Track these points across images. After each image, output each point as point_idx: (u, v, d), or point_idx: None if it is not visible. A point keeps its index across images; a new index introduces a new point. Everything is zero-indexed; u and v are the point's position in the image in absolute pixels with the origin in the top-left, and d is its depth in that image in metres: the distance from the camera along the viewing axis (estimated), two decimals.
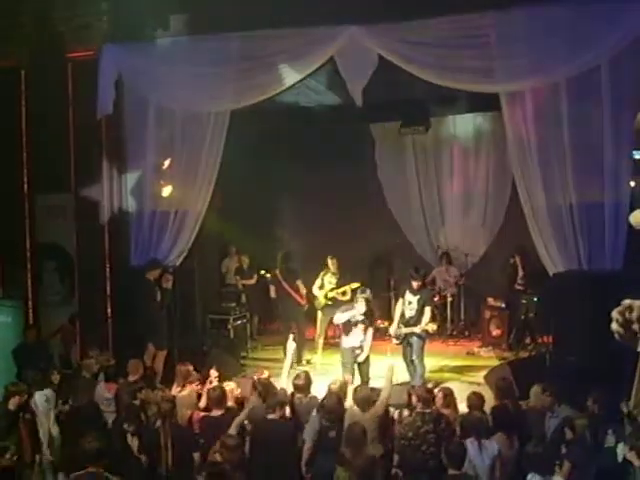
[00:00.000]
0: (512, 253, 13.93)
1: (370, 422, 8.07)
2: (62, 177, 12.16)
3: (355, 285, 12.87)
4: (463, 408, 8.69)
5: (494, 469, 7.47)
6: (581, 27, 9.80)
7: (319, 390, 9.17)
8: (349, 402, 8.62)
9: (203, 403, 9.34)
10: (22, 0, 12.03)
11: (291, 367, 10.10)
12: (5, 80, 12.38)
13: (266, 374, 10.13)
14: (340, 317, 11.15)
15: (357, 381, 10.63)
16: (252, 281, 15.27)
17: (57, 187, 12.35)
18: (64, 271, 12.60)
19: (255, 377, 9.94)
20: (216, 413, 8.62)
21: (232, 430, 8.02)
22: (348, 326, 11.06)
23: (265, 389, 8.89)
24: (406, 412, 8.59)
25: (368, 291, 11.38)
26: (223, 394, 8.78)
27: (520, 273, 13.62)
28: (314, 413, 8.17)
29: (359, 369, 11.04)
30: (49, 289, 12.74)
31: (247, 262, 15.54)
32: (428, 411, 8.12)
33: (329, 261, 13.31)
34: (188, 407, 9.31)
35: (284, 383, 9.14)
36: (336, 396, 8.35)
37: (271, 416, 8.19)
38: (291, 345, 10.08)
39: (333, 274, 13.14)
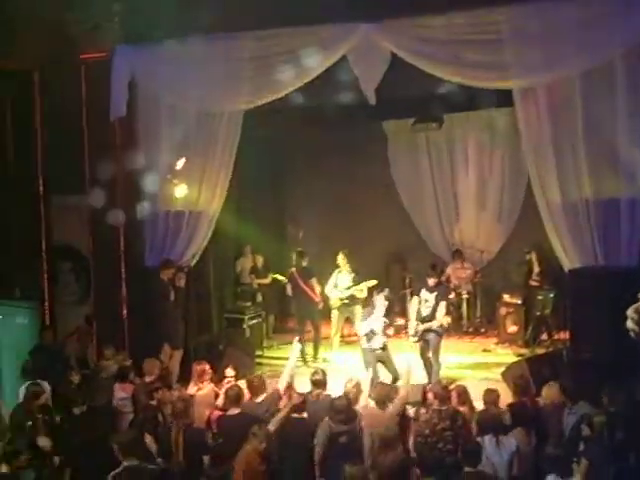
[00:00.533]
0: (528, 249, 13.85)
1: (388, 421, 8.06)
2: (77, 178, 12.19)
3: (372, 283, 12.85)
4: (479, 405, 8.67)
5: (512, 465, 7.47)
6: (595, 21, 9.72)
7: (335, 388, 9.17)
8: (364, 401, 8.64)
9: (221, 402, 9.35)
10: (35, 2, 12.06)
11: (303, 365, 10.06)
12: (19, 82, 12.44)
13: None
14: (362, 328, 11.10)
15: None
16: (267, 280, 15.29)
17: (72, 188, 12.38)
18: (80, 272, 12.68)
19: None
20: (233, 412, 8.61)
21: (271, 427, 7.95)
22: (370, 334, 11.06)
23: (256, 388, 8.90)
24: (422, 410, 8.55)
25: (387, 290, 11.36)
26: (240, 393, 8.77)
27: (536, 269, 13.56)
28: (326, 418, 8.07)
29: (386, 367, 11.01)
30: (65, 290, 12.82)
31: (261, 261, 15.55)
32: (444, 408, 8.09)
33: (340, 257, 13.21)
34: (206, 406, 9.33)
35: (282, 384, 9.10)
36: (346, 398, 8.29)
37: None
38: (296, 347, 10.02)
39: (348, 272, 13.09)
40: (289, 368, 9.39)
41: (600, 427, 7.26)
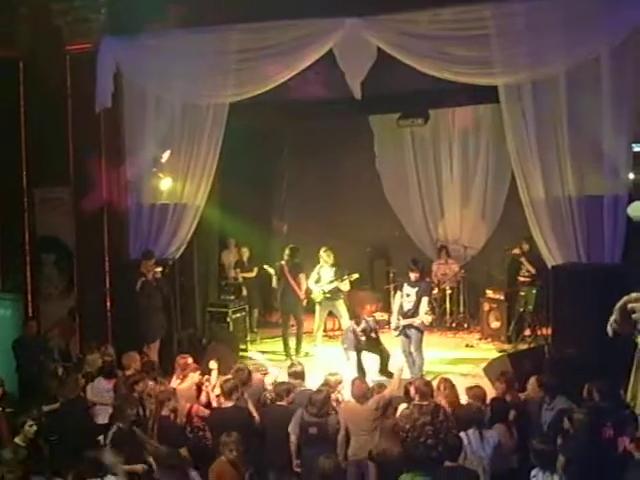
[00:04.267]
0: (518, 244, 13.75)
1: (367, 414, 8.12)
2: (61, 170, 12.14)
3: (355, 276, 12.88)
4: (463, 400, 8.71)
5: (495, 458, 7.53)
6: (580, 18, 9.77)
7: (317, 383, 9.21)
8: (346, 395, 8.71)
9: (204, 397, 9.35)
10: None
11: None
12: (3, 72, 12.37)
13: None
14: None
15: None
16: (252, 274, 15.27)
17: (56, 180, 12.34)
18: (63, 264, 12.60)
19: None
20: (226, 404, 8.58)
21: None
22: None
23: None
24: (404, 405, 8.58)
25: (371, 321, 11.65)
26: (236, 385, 8.78)
27: (529, 268, 13.49)
28: (300, 409, 8.17)
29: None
30: (48, 282, 12.75)
31: (247, 255, 15.53)
32: (426, 403, 8.13)
33: (322, 253, 13.22)
34: (187, 399, 9.31)
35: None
36: (324, 392, 8.35)
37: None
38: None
39: (331, 266, 13.10)
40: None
41: (579, 424, 7.31)
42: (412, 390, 8.46)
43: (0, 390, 8.99)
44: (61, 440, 8.56)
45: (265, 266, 14.81)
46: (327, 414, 8.15)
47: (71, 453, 7.89)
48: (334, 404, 8.58)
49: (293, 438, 8.07)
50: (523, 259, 13.52)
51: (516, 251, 13.66)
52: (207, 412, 8.82)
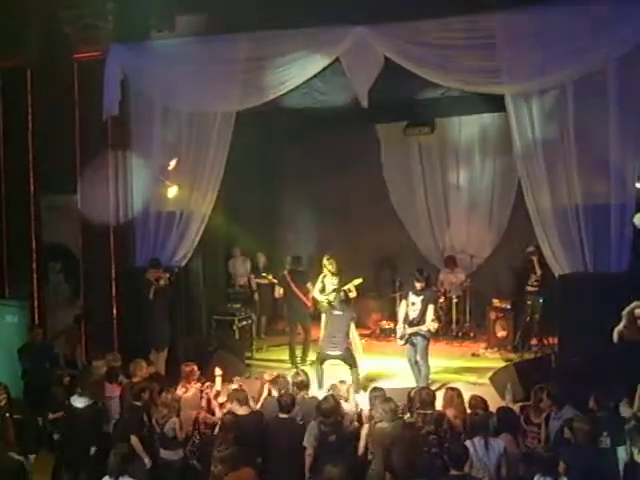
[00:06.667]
0: (530, 253, 13.63)
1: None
2: (68, 178, 12.17)
3: (357, 282, 12.83)
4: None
5: (501, 467, 7.53)
6: (587, 28, 9.79)
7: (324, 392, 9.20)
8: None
9: (204, 403, 9.38)
10: (30, 0, 12.06)
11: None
12: (11, 80, 12.43)
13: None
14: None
15: None
16: (265, 281, 15.14)
17: (62, 188, 12.36)
18: (69, 272, 12.63)
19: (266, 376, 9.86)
20: (243, 412, 8.57)
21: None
22: None
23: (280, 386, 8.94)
24: (407, 414, 8.57)
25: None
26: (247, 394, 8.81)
27: (538, 272, 13.40)
28: (313, 422, 8.08)
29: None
30: (54, 290, 12.77)
31: (263, 261, 15.50)
32: (429, 412, 8.11)
33: (325, 261, 13.13)
34: (193, 408, 9.32)
35: None
36: (332, 399, 8.29)
37: (282, 415, 8.29)
38: None
39: (333, 275, 13.04)
40: None
41: (577, 431, 7.32)
42: (415, 399, 8.46)
43: (5, 396, 8.98)
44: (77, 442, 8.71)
45: (264, 274, 14.77)
46: (341, 420, 8.12)
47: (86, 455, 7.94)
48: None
49: (310, 451, 7.93)
50: (535, 258, 13.34)
51: (531, 248, 13.48)
52: (214, 419, 8.82)
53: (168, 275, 11.94)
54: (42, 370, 11.04)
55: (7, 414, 8.79)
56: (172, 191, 12.24)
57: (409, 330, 11.16)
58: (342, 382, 9.26)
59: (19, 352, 11.20)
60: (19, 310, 12.21)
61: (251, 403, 8.83)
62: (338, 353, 11.10)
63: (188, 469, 8.65)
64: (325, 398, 8.41)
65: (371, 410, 8.42)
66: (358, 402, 9.17)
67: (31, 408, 9.83)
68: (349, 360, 11.12)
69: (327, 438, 7.93)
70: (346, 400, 8.90)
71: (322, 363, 11.21)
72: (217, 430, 8.52)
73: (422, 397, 8.39)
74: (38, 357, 11.16)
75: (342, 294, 12.54)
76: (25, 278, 12.68)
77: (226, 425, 8.18)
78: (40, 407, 10.25)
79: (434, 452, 7.62)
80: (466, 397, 8.87)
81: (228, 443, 7.57)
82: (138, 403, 8.99)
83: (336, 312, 11.51)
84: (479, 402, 8.48)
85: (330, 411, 8.00)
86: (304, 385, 9.06)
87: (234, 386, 9.62)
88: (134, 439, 8.45)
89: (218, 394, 9.48)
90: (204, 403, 9.40)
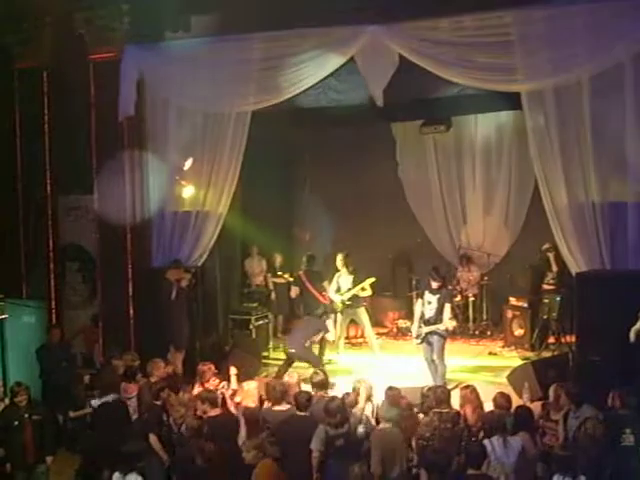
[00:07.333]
0: (546, 250, 13.59)
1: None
2: (84, 178, 12.22)
3: (370, 280, 12.81)
4: (489, 407, 8.66)
5: (519, 465, 7.48)
6: (603, 25, 9.72)
7: (342, 390, 9.18)
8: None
9: (229, 402, 9.38)
10: (44, 2, 12.10)
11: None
12: (28, 81, 12.48)
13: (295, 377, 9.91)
14: None
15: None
16: (282, 280, 15.17)
17: (79, 188, 12.42)
18: (86, 272, 12.67)
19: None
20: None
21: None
22: None
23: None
24: (421, 414, 8.54)
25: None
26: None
27: (555, 269, 13.35)
28: (321, 425, 8.03)
29: None
30: (72, 290, 12.82)
31: (279, 260, 15.52)
32: (445, 411, 8.08)
33: (339, 261, 13.09)
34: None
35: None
36: (337, 399, 8.30)
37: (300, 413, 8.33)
38: None
39: (350, 273, 13.02)
40: None
41: (597, 430, 7.29)
42: (431, 398, 8.43)
43: (25, 397, 9.01)
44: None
45: (280, 273, 14.78)
46: (347, 420, 8.10)
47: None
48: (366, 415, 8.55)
49: (317, 454, 7.89)
50: (551, 255, 13.29)
51: (547, 246, 13.41)
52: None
53: (190, 276, 11.98)
54: (60, 370, 11.11)
55: (26, 415, 8.82)
56: (188, 191, 12.29)
57: (425, 329, 11.15)
58: (360, 381, 9.14)
59: (37, 352, 11.27)
60: (37, 310, 12.27)
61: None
62: None
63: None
64: (332, 398, 8.43)
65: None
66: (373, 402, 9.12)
67: (50, 408, 9.84)
68: None
69: (334, 442, 7.91)
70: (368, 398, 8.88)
71: None
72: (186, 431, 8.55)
73: (437, 395, 8.36)
74: (56, 357, 11.25)
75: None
76: (42, 279, 12.72)
77: (194, 428, 8.28)
78: (59, 406, 10.34)
79: (450, 451, 7.58)
80: (482, 396, 8.84)
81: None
82: (157, 402, 9.03)
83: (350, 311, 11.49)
84: (504, 400, 8.42)
85: (335, 410, 7.99)
86: (322, 385, 9.02)
87: (252, 384, 9.64)
88: (153, 438, 8.50)
89: (234, 393, 9.49)
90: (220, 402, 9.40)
